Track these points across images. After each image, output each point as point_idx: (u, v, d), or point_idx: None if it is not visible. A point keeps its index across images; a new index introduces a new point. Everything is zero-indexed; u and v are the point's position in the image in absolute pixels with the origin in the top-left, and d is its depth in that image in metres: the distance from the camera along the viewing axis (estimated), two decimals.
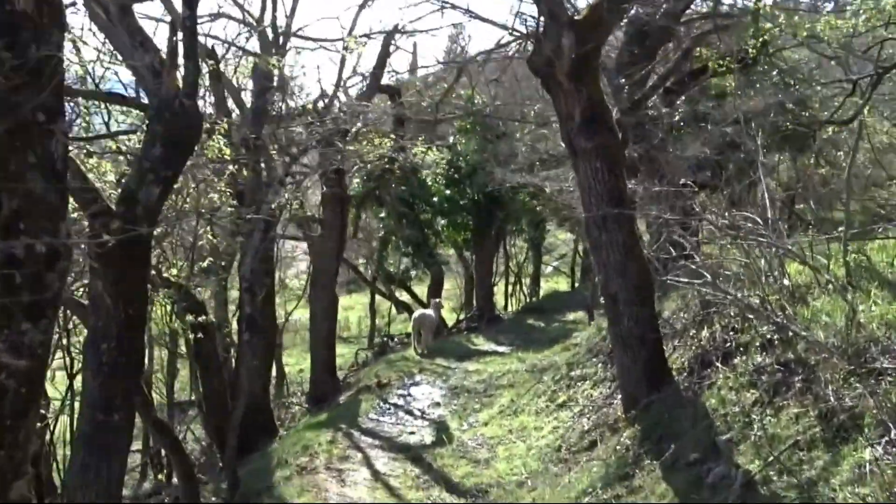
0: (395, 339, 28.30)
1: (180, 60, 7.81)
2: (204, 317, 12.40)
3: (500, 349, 20.25)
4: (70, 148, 7.87)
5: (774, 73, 17.57)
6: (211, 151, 9.66)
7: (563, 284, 39.66)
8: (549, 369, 14.98)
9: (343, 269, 43.50)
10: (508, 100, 23.67)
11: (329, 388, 17.56)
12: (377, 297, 29.63)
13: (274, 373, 23.77)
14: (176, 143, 7.80)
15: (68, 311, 11.81)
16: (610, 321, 9.67)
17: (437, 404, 14.55)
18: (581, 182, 9.48)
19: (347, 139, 15.67)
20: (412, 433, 12.67)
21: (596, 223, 9.35)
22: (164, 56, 7.85)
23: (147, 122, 7.81)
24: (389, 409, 14.29)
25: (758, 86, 17.30)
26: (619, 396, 10.55)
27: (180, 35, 7.70)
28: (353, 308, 38.12)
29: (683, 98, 15.76)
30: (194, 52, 7.69)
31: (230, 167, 10.72)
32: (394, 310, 30.94)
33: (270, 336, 15.25)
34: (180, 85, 7.77)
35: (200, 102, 17.07)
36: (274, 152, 13.36)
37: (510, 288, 33.24)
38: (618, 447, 8.98)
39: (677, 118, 15.62)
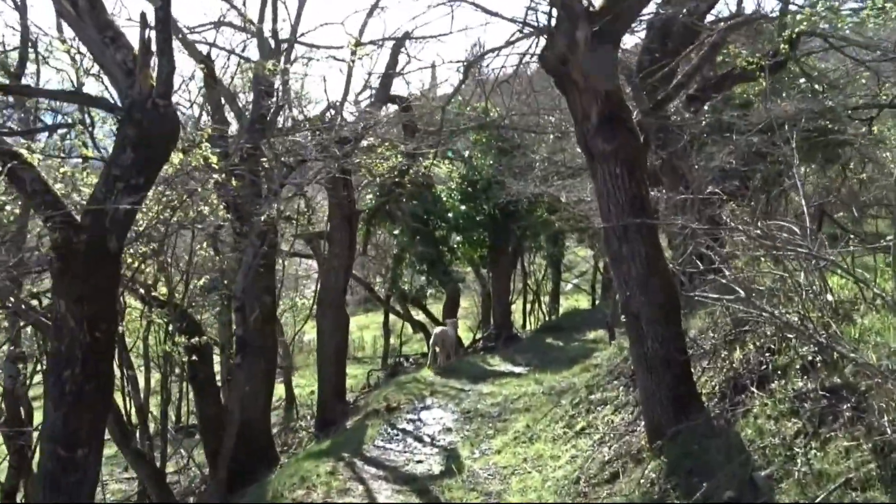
0: (410, 360, 27.51)
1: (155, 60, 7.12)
2: (199, 338, 11.64)
3: (517, 370, 19.40)
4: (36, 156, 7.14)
5: (802, 80, 16.81)
6: (195, 159, 8.94)
7: (583, 302, 38.78)
8: (568, 392, 14.14)
9: (359, 288, 42.89)
10: (524, 110, 22.94)
11: (337, 412, 16.76)
12: (391, 316, 28.79)
13: (284, 396, 23.09)
14: (149, 147, 7.07)
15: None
16: (632, 341, 8.80)
17: (449, 430, 13.71)
18: (599, 189, 8.65)
19: (354, 150, 14.92)
20: (420, 462, 11.83)
21: (616, 234, 8.51)
22: (136, 53, 7.13)
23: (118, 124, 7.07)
24: (397, 434, 13.46)
25: (784, 94, 16.51)
26: (643, 423, 9.72)
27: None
28: (367, 327, 37.36)
29: (707, 106, 14.99)
30: (169, 46, 6.97)
31: (216, 176, 9.96)
32: (409, 329, 30.16)
33: (270, 358, 14.47)
34: (154, 84, 7.06)
35: (195, 111, 16.62)
36: (269, 161, 12.58)
37: (528, 306, 32.39)
38: (642, 481, 8.12)
39: (701, 127, 14.85)
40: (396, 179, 17.48)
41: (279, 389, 24.40)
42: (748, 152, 15.14)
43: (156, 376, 16.29)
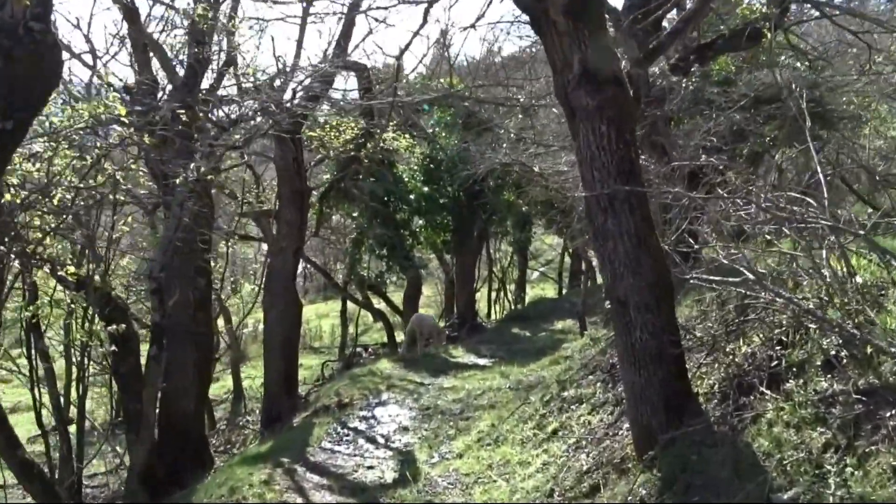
0: (369, 350, 26.12)
1: None
2: (118, 326, 10.15)
3: (482, 362, 18.08)
4: None
5: (787, 55, 15.77)
6: (93, 108, 7.44)
7: (549, 291, 37.60)
8: (537, 387, 12.84)
9: (319, 275, 41.33)
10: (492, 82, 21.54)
11: (285, 408, 15.31)
12: (350, 304, 27.28)
13: (232, 388, 21.58)
14: (21, 83, 5.58)
15: None
16: (618, 331, 7.45)
17: (405, 429, 12.35)
18: (581, 152, 7.29)
19: (304, 111, 13.45)
20: (371, 468, 10.43)
21: (600, 205, 7.17)
22: None
23: None
24: (348, 434, 12.07)
25: (766, 71, 15.38)
26: (626, 427, 8.42)
27: None
28: (327, 316, 35.91)
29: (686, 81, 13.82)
30: None
31: (120, 129, 8.47)
32: (369, 318, 28.69)
33: (204, 348, 12.94)
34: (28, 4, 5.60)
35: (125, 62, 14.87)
36: (198, 119, 11.00)
37: (494, 294, 31.07)
38: (629, 498, 6.81)
39: (683, 98, 13.68)
40: (353, 153, 16.03)
41: (227, 381, 22.93)
42: (729, 130, 14.01)
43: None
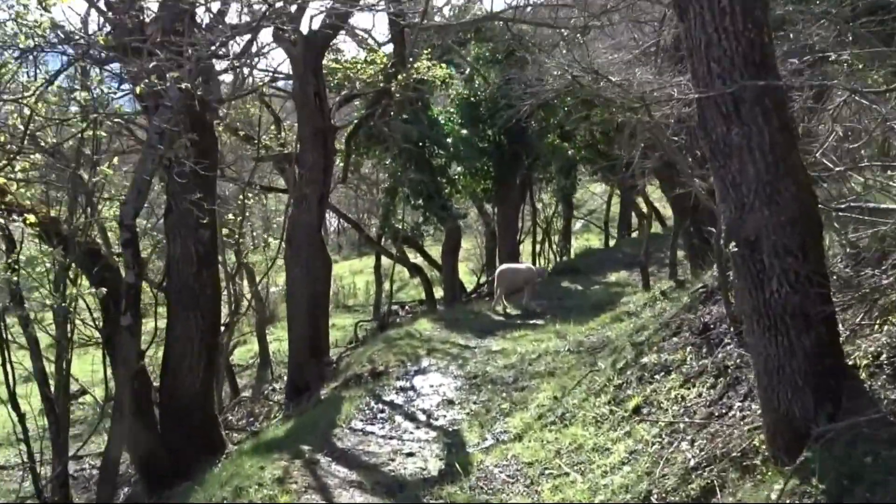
0: (406, 308, 24.28)
1: None
2: (103, 289, 8.33)
3: (531, 320, 16.17)
4: None
5: None
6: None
7: (594, 241, 35.51)
8: (604, 351, 10.93)
9: (353, 230, 39.55)
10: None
11: (313, 376, 13.53)
12: (384, 258, 25.39)
13: (258, 353, 19.88)
14: None
15: None
16: (743, 283, 5.46)
17: (450, 403, 10.48)
18: (692, 35, 5.27)
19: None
20: (410, 455, 8.56)
21: (721, 109, 5.17)
22: None
23: None
24: (382, 411, 10.22)
25: None
26: (739, 406, 6.51)
27: None
28: (361, 272, 34.12)
29: None
30: None
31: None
32: (406, 273, 26.81)
33: (209, 313, 11.03)
34: None
35: None
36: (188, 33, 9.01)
37: (538, 247, 29.00)
38: None
39: None
40: (382, 86, 14.00)
41: (254, 344, 21.24)
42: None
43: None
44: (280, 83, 15.98)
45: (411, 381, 11.53)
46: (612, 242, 32.32)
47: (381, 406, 10.45)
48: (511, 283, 17.63)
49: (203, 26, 10.20)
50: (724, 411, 6.73)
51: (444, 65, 15.72)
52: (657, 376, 8.29)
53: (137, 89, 8.26)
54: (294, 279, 13.97)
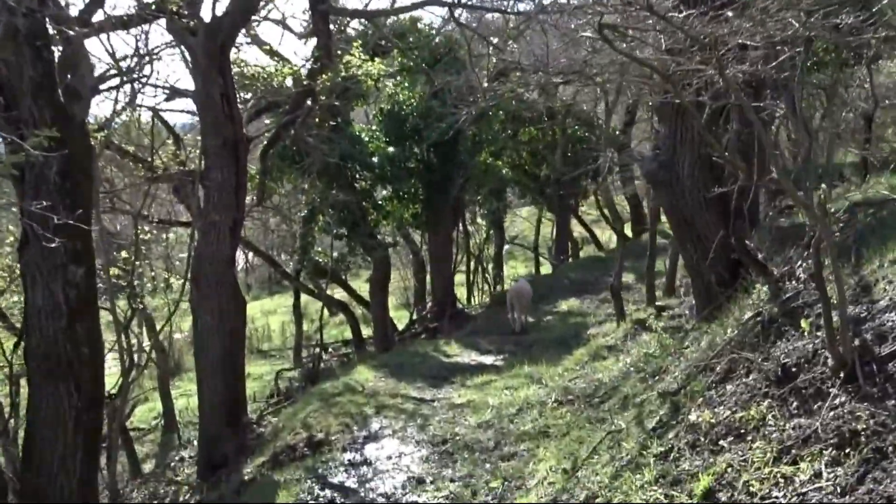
0: (331, 351, 21.61)
1: None
2: None
3: (488, 360, 13.82)
4: None
5: None
6: None
7: (520, 268, 33.36)
8: (609, 401, 8.58)
9: (262, 265, 36.51)
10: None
11: (230, 448, 10.81)
12: (304, 295, 22.62)
13: (163, 414, 16.87)
14: None
15: None
16: None
17: (419, 482, 7.95)
18: None
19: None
20: None
21: None
22: None
23: None
24: (332, 501, 7.64)
25: None
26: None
27: None
28: (274, 312, 31.19)
29: None
30: None
31: None
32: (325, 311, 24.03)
33: (81, 381, 8.09)
34: None
35: None
36: None
37: (472, 276, 26.69)
38: None
39: None
40: (305, 83, 11.47)
41: (158, 401, 18.19)
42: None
43: None
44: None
45: (362, 451, 8.96)
46: (542, 269, 30.23)
47: (327, 493, 7.85)
48: (528, 302, 16.84)
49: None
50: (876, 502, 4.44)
51: (376, 59, 13.28)
52: (724, 443, 5.95)
53: None
54: (203, 328, 11.23)
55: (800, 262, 7.32)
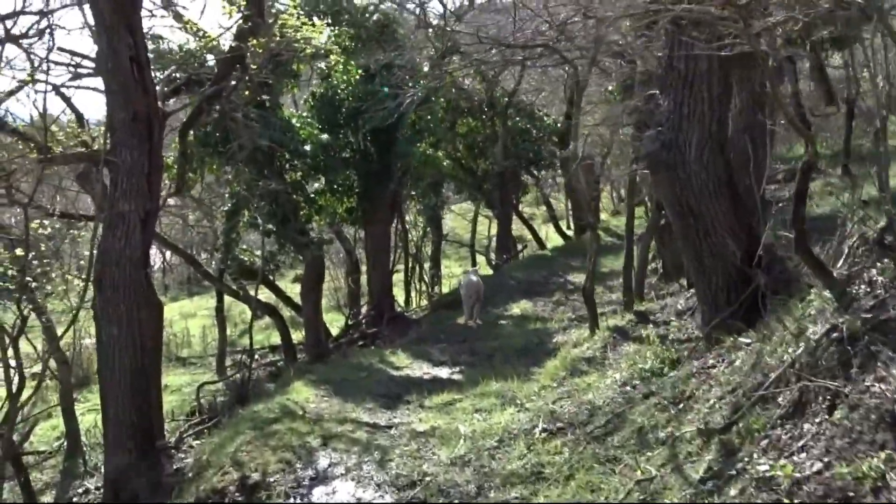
0: (257, 358, 19.61)
1: None
2: None
3: (443, 373, 12.16)
4: None
5: None
6: None
7: (454, 268, 31.73)
8: (615, 433, 6.97)
9: (181, 264, 34.16)
10: None
11: (142, 486, 8.87)
12: (227, 297, 20.50)
13: (66, 435, 14.66)
14: None
15: None
16: None
17: None
18: None
19: None
20: None
21: None
22: None
23: None
24: None
25: None
26: None
27: None
28: (194, 315, 28.93)
29: None
30: None
31: None
32: (247, 313, 21.84)
33: None
34: None
35: None
36: None
37: (410, 275, 24.92)
38: None
39: None
40: (234, 44, 9.61)
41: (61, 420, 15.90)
42: None
43: None
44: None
45: (309, 497, 7.21)
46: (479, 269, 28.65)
47: None
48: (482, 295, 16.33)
49: None
50: None
51: (317, 21, 11.43)
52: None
53: None
54: (109, 340, 9.22)
55: (871, 265, 5.80)
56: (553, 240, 30.81)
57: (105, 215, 9.33)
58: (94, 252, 9.65)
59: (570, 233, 30.35)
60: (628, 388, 8.11)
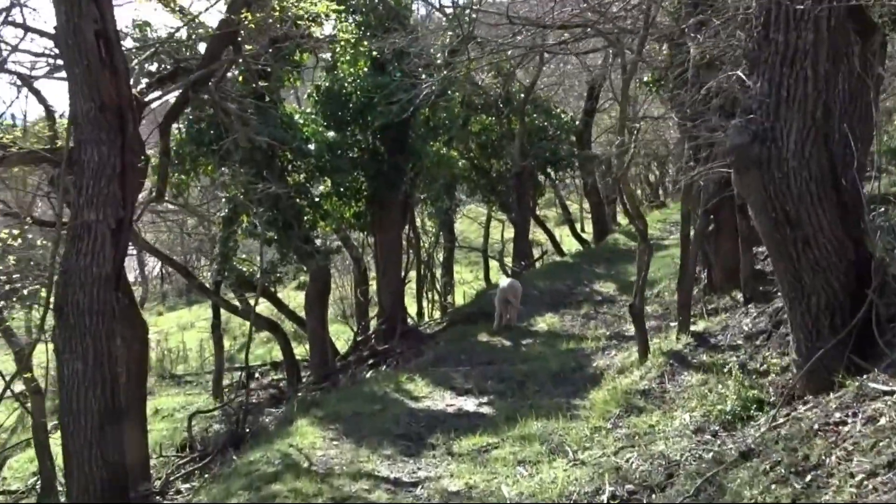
0: (257, 377, 18.06)
1: None
2: None
3: (470, 405, 10.47)
4: None
5: None
6: None
7: (465, 275, 30.09)
8: (688, 488, 5.32)
9: (176, 274, 32.55)
10: None
11: None
12: (225, 311, 18.91)
13: (39, 472, 13.05)
14: None
15: None
16: None
17: None
18: None
19: None
20: None
21: None
22: None
23: None
24: None
25: None
26: None
27: None
28: (192, 326, 27.35)
29: None
30: None
31: None
32: (245, 326, 20.20)
33: None
34: None
35: None
36: None
37: (422, 285, 23.23)
38: None
39: None
40: (228, 16, 8.02)
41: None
42: None
43: None
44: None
45: None
46: (491, 276, 27.04)
47: None
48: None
49: None
50: None
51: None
52: None
53: None
54: (72, 379, 7.57)
55: None
56: (568, 244, 29.23)
57: (67, 226, 7.69)
58: (55, 271, 7.98)
59: (586, 236, 28.82)
60: (708, 436, 6.52)
